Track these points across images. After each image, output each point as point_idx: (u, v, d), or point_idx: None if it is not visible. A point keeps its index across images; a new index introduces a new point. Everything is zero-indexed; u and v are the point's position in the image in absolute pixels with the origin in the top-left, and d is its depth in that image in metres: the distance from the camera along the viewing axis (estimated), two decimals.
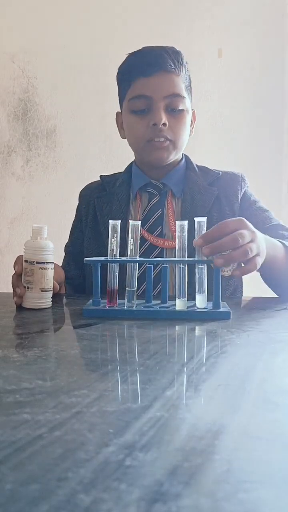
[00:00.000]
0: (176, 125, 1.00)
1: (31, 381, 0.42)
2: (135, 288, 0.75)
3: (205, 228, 0.73)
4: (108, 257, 0.74)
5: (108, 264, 0.75)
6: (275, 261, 0.86)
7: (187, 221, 0.73)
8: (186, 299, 0.73)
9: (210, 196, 1.04)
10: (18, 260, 0.82)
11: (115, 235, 0.74)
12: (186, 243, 0.73)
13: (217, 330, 0.64)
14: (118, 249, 0.75)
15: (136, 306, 0.74)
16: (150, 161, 1.05)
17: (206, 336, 0.62)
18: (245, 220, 0.74)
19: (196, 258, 0.73)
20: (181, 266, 0.73)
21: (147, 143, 1.01)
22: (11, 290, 0.82)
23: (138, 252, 0.75)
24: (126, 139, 1.09)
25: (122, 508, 0.23)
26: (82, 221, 1.15)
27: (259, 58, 2.06)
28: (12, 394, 0.38)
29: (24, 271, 0.79)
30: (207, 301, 0.75)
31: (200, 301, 0.74)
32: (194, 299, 0.75)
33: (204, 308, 0.73)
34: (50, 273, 0.79)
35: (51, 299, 0.80)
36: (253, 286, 1.10)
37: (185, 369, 0.46)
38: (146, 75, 0.99)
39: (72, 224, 1.19)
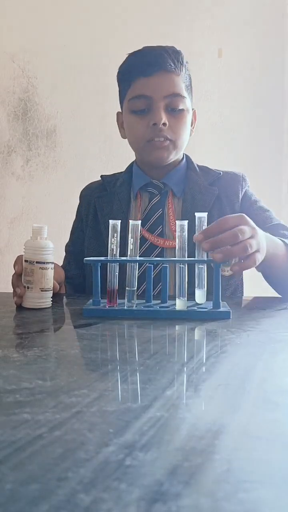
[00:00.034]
0: (176, 125, 1.00)
1: (31, 381, 0.42)
2: (135, 288, 0.75)
3: (206, 224, 0.74)
4: (108, 257, 0.74)
5: (108, 264, 0.75)
6: (276, 259, 0.86)
7: (187, 220, 0.73)
8: (186, 298, 0.73)
9: (211, 196, 1.04)
10: (18, 260, 0.82)
11: (115, 234, 0.74)
12: (186, 243, 0.73)
13: (217, 330, 0.64)
14: (118, 249, 0.75)
15: (136, 306, 0.74)
16: (150, 161, 1.05)
17: (206, 336, 0.62)
18: (246, 216, 0.74)
19: (196, 254, 0.73)
20: (181, 265, 0.73)
21: (147, 143, 1.01)
22: (11, 290, 0.82)
23: (139, 251, 0.75)
24: (126, 139, 1.09)
25: (122, 508, 0.23)
26: (82, 220, 1.15)
27: (259, 58, 2.06)
28: (12, 394, 0.38)
29: (24, 271, 0.79)
30: (207, 300, 0.75)
31: (200, 296, 0.74)
32: (194, 298, 0.75)
33: (204, 308, 0.73)
34: (50, 273, 0.79)
35: (51, 299, 0.80)
36: (254, 286, 1.10)
37: (185, 368, 0.46)
38: (146, 75, 0.99)
39: (73, 224, 1.19)
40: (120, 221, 0.75)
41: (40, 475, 0.26)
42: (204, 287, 0.74)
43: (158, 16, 2.06)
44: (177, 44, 1.05)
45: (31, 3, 2.11)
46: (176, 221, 0.74)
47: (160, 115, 0.98)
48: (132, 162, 1.14)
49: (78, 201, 1.19)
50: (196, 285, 0.74)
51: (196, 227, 0.74)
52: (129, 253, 0.74)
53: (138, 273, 0.77)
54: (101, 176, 1.17)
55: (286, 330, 0.67)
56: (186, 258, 0.73)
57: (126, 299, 0.74)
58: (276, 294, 1.00)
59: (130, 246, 0.74)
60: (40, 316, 0.73)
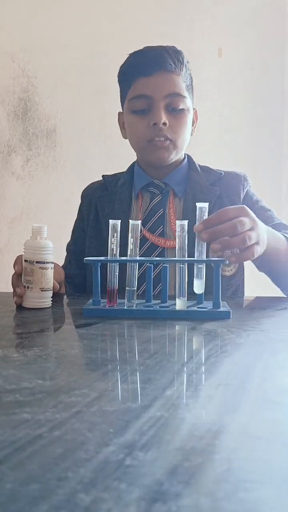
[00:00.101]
0: (176, 125, 1.00)
1: (31, 380, 0.42)
2: (135, 288, 0.75)
3: (207, 215, 0.73)
4: (108, 257, 0.74)
5: (108, 263, 0.75)
6: (277, 253, 0.85)
7: (187, 220, 0.73)
8: (186, 298, 0.73)
9: (212, 196, 1.04)
10: (18, 260, 0.82)
11: (115, 234, 0.74)
12: (187, 243, 0.73)
13: (217, 329, 0.64)
14: (118, 249, 0.75)
15: (136, 306, 0.74)
16: (151, 161, 1.05)
17: (206, 335, 0.62)
18: (247, 208, 0.74)
19: (196, 243, 0.72)
20: (181, 265, 0.73)
21: (148, 143, 1.01)
22: (11, 290, 0.82)
23: (139, 251, 0.75)
24: (127, 139, 1.09)
25: (122, 507, 0.23)
26: (84, 220, 1.15)
27: (259, 58, 2.06)
28: (12, 393, 0.38)
29: (24, 271, 0.79)
30: (208, 300, 0.75)
31: (198, 286, 0.73)
32: (194, 298, 0.75)
33: (204, 308, 0.73)
34: (50, 273, 0.79)
35: (51, 299, 0.80)
36: (255, 286, 1.10)
37: (185, 368, 0.46)
38: (146, 75, 0.99)
39: (74, 223, 1.19)
40: (120, 221, 0.75)
41: (40, 475, 0.26)
42: (203, 278, 0.73)
43: (158, 16, 2.06)
44: (177, 44, 1.05)
45: (31, 3, 2.11)
46: (177, 221, 0.74)
47: (160, 115, 0.98)
48: (134, 162, 1.14)
49: (78, 201, 1.19)
50: (194, 275, 0.73)
51: (197, 217, 0.73)
52: (129, 253, 0.74)
53: (138, 273, 0.77)
54: (103, 176, 1.17)
55: (286, 329, 0.67)
56: (186, 258, 0.73)
57: (126, 299, 0.74)
58: (276, 294, 1.00)
59: (130, 246, 0.74)
60: (40, 316, 0.73)
